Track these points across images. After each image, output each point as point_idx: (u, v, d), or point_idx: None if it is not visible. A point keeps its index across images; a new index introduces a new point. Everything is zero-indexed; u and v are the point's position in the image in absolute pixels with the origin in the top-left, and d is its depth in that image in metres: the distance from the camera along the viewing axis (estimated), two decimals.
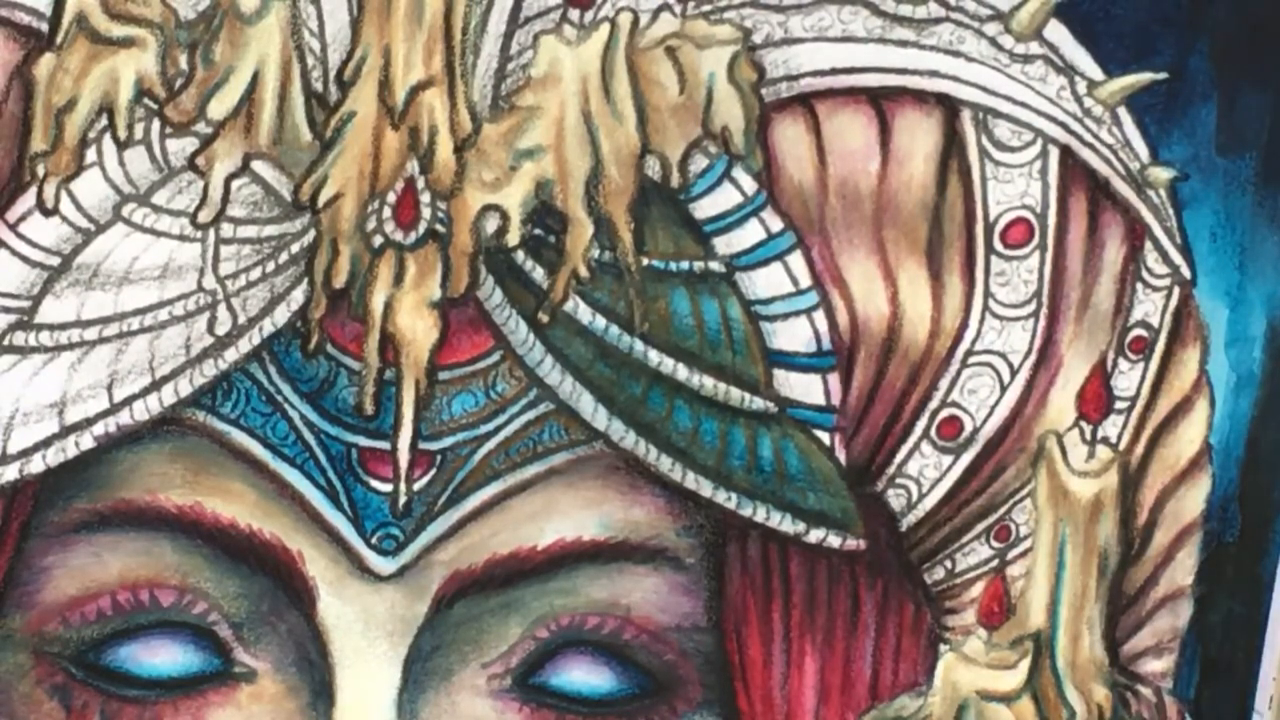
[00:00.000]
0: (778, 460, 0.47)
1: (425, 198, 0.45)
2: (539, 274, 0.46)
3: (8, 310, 0.45)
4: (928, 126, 0.46)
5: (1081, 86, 0.47)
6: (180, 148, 0.45)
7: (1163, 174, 0.48)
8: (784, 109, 0.46)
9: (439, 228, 0.45)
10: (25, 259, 0.45)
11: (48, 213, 0.44)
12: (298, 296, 0.45)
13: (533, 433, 0.47)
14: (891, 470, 0.48)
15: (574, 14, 0.45)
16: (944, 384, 0.48)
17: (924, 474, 0.49)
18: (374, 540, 0.47)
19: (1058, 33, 0.46)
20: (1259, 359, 0.50)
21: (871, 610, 0.49)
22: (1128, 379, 0.49)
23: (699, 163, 0.46)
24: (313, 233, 0.45)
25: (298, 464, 0.46)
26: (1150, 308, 0.49)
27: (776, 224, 0.46)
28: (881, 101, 0.46)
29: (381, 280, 0.45)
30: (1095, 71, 0.47)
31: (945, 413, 0.48)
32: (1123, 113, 0.47)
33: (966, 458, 0.49)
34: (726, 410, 0.47)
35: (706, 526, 0.48)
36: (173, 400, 0.45)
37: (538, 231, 0.46)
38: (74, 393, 0.45)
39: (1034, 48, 0.46)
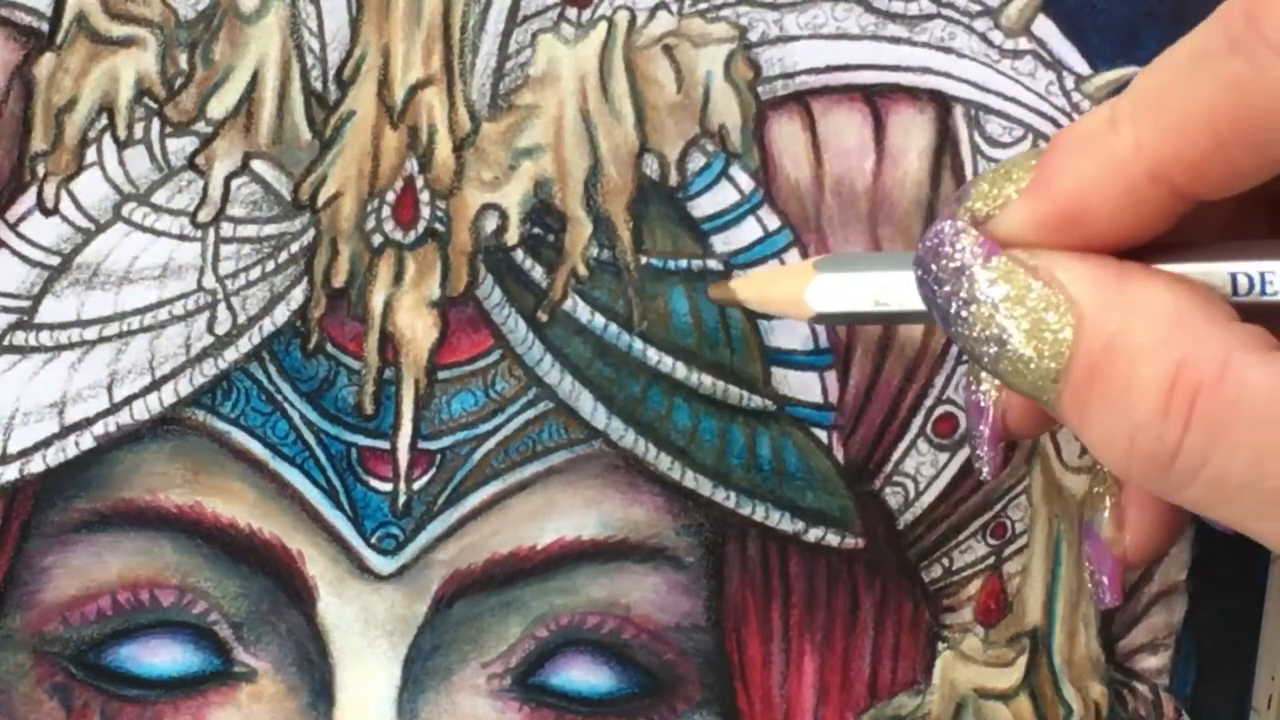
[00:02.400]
0: (776, 458, 0.48)
1: (424, 197, 0.46)
2: (538, 273, 0.47)
3: (8, 310, 0.45)
4: (921, 123, 0.47)
5: (1070, 81, 0.48)
6: (180, 147, 0.45)
7: None
8: (780, 107, 0.47)
9: (438, 227, 0.46)
10: (25, 259, 0.45)
11: (48, 212, 0.45)
12: (297, 296, 0.46)
13: (532, 432, 0.47)
14: (889, 468, 0.49)
15: (572, 13, 0.46)
16: (939, 381, 0.49)
17: (921, 471, 0.49)
18: (374, 540, 0.47)
19: (1045, 27, 0.47)
20: None
21: (870, 609, 0.49)
22: None
23: (696, 161, 0.47)
24: (312, 232, 0.46)
25: (297, 463, 0.47)
26: None
27: (774, 222, 0.47)
28: (876, 99, 0.47)
29: (381, 279, 0.46)
30: (1082, 66, 0.48)
31: (941, 410, 0.49)
32: None
33: (962, 455, 0.49)
34: (725, 408, 0.48)
35: (706, 525, 0.48)
36: (172, 400, 0.46)
37: (536, 230, 0.46)
38: (74, 392, 0.45)
39: (1023, 43, 0.47)
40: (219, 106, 0.45)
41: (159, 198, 0.45)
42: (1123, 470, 0.34)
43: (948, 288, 0.35)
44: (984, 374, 0.40)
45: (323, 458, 0.47)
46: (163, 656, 0.47)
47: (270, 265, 0.46)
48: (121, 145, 0.45)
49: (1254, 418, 0.32)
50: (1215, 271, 0.35)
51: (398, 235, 0.46)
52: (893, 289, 0.39)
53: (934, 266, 0.35)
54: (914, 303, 0.38)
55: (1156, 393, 0.32)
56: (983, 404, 0.40)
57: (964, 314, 0.35)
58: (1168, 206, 0.34)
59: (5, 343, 0.45)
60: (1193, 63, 0.33)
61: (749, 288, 0.43)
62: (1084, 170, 0.34)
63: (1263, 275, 0.34)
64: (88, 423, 0.46)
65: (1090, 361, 0.33)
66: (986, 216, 0.35)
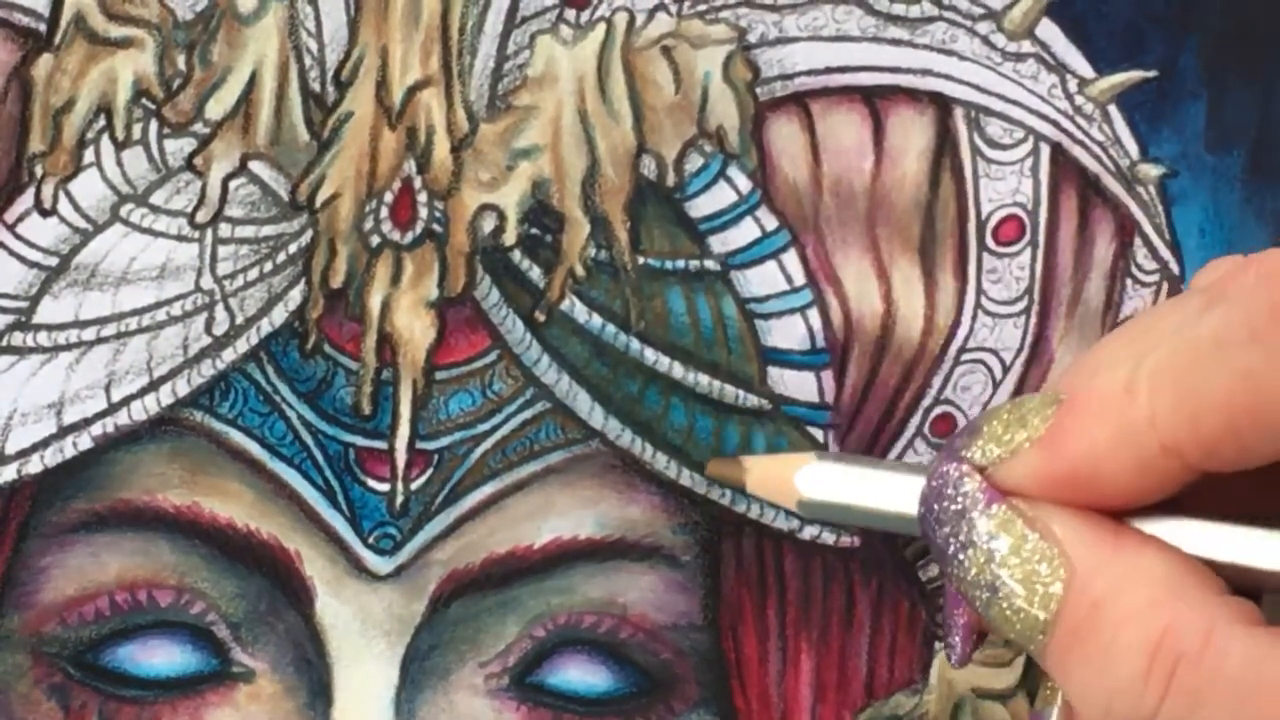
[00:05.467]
0: None
1: (422, 197, 0.47)
2: (535, 273, 0.47)
3: (5, 311, 0.46)
4: (921, 125, 0.48)
5: (1072, 84, 0.48)
6: (178, 148, 0.46)
7: (1152, 170, 0.50)
8: (778, 108, 0.47)
9: (436, 227, 0.47)
10: (23, 259, 0.46)
11: (46, 213, 0.46)
12: (295, 296, 0.47)
13: (529, 431, 0.48)
14: None
15: (570, 14, 0.46)
16: (937, 381, 0.50)
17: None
18: (371, 540, 0.48)
19: (1049, 31, 0.48)
20: None
21: (867, 607, 0.50)
22: None
23: (694, 162, 0.47)
24: (310, 233, 0.46)
25: (295, 464, 0.47)
26: (1140, 304, 0.51)
27: (771, 222, 0.48)
28: (875, 100, 0.48)
29: (379, 280, 0.47)
30: (1086, 69, 0.48)
31: (938, 410, 0.50)
32: (1113, 110, 0.49)
33: None
34: (721, 408, 0.48)
35: (702, 524, 0.49)
36: (170, 400, 0.47)
37: (534, 231, 0.47)
38: (72, 393, 0.46)
39: (1026, 46, 0.48)
40: (217, 107, 0.46)
41: (157, 198, 0.46)
42: None
43: (947, 529, 0.36)
44: None
45: (320, 458, 0.47)
46: (160, 657, 0.48)
47: (268, 266, 0.46)
48: (119, 146, 0.46)
49: (1231, 694, 0.33)
50: (1208, 543, 0.35)
51: (395, 236, 0.47)
52: (883, 491, 0.39)
53: (936, 506, 0.36)
54: (899, 507, 0.38)
55: (1138, 657, 0.33)
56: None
57: (961, 557, 0.36)
58: (1177, 476, 0.35)
59: (3, 343, 0.46)
60: (1214, 348, 0.34)
61: (753, 469, 0.43)
62: (1098, 435, 0.35)
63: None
64: (85, 423, 0.46)
65: (1077, 618, 0.34)
66: (996, 459, 0.36)
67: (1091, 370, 0.36)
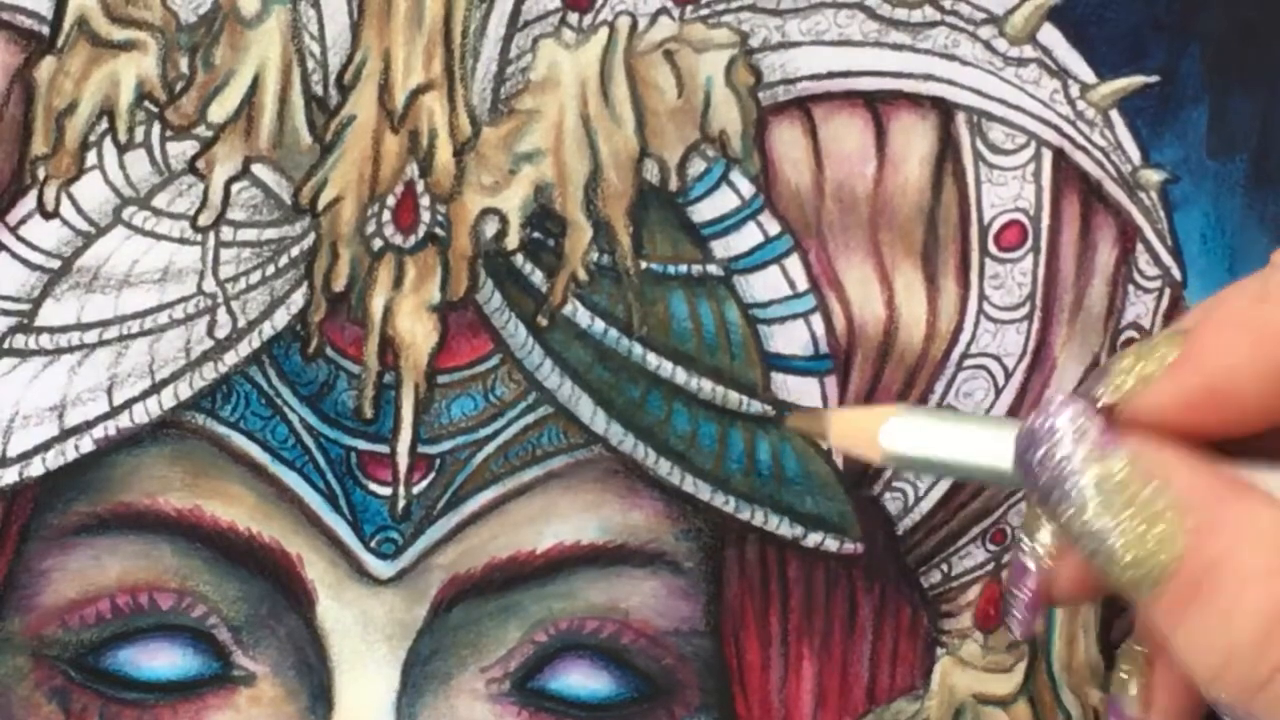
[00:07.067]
0: (775, 464, 0.49)
1: (425, 201, 0.47)
2: (538, 277, 0.47)
3: (7, 313, 0.46)
4: (923, 130, 0.48)
5: (1074, 90, 0.48)
6: (181, 151, 0.46)
7: (1154, 176, 0.50)
8: (781, 113, 0.47)
9: (438, 231, 0.47)
10: (25, 262, 0.46)
11: (48, 216, 0.46)
12: (297, 300, 0.47)
13: (532, 436, 0.48)
14: (888, 474, 0.50)
15: (573, 18, 0.46)
16: (939, 387, 0.50)
17: (920, 477, 0.50)
18: (373, 544, 0.48)
19: (1051, 36, 0.48)
20: None
21: (869, 614, 0.50)
22: None
23: (697, 166, 0.47)
24: (312, 236, 0.46)
25: (297, 467, 0.47)
26: (1142, 310, 0.51)
27: (774, 227, 0.48)
28: (877, 105, 0.48)
29: (381, 284, 0.47)
30: (1088, 75, 0.48)
31: None
32: (1115, 115, 0.49)
33: None
34: (725, 413, 0.48)
35: (705, 530, 0.49)
36: (172, 403, 0.47)
37: (536, 235, 0.47)
38: (74, 396, 0.46)
39: (1028, 51, 0.48)
40: (220, 110, 0.46)
41: (159, 201, 0.46)
42: (1206, 683, 0.34)
43: (1053, 474, 0.34)
44: (1038, 534, 0.38)
45: (322, 461, 0.47)
46: (161, 660, 0.48)
47: (270, 269, 0.46)
48: (122, 149, 0.46)
49: None
50: None
51: (398, 239, 0.47)
52: (971, 444, 0.37)
53: (1041, 451, 0.34)
54: (987, 460, 0.36)
55: (1260, 620, 0.33)
56: (1030, 566, 0.38)
57: (1068, 504, 0.34)
58: None
59: (5, 346, 0.46)
60: None
61: (836, 422, 0.41)
62: (1237, 345, 0.34)
63: None
64: (87, 426, 0.46)
65: (1194, 575, 0.33)
66: (1129, 392, 0.34)
67: (1215, 302, 0.35)
